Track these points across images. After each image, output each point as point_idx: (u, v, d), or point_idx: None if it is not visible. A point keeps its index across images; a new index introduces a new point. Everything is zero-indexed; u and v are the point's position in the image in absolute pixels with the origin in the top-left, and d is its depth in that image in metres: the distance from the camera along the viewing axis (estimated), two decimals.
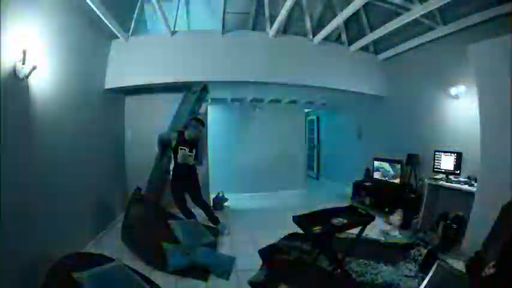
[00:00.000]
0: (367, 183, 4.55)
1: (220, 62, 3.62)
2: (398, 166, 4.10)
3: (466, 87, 3.12)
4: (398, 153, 4.13)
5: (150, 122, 4.08)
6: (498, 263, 1.42)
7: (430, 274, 1.84)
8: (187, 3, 4.07)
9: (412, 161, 3.83)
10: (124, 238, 2.88)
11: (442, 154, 3.31)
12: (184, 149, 3.10)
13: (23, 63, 1.87)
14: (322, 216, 2.32)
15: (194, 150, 3.18)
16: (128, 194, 3.99)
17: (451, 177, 3.16)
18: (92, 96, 3.19)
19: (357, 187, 4.72)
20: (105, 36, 3.38)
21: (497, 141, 2.39)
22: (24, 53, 1.87)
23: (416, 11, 2.90)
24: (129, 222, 2.86)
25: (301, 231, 2.35)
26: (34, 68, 1.94)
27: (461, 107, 3.23)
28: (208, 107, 4.36)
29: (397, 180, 4.11)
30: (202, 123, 3.27)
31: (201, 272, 2.35)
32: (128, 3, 3.64)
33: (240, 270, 2.45)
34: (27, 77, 1.93)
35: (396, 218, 3.54)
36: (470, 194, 2.70)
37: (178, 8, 3.79)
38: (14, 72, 1.84)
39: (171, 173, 3.28)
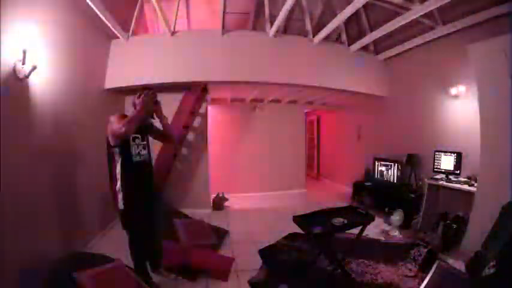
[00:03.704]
0: (367, 183, 4.55)
1: (220, 62, 3.62)
2: (398, 166, 4.10)
3: (466, 87, 3.12)
4: (398, 153, 4.13)
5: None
6: (498, 263, 1.42)
7: (430, 274, 1.84)
8: (187, 3, 4.08)
9: (412, 161, 3.83)
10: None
11: (442, 154, 3.31)
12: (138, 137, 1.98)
13: (23, 63, 1.87)
14: (322, 216, 2.32)
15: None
16: None
17: (451, 177, 3.15)
18: (92, 96, 3.19)
19: (357, 187, 4.73)
20: (105, 36, 3.38)
21: (497, 141, 2.39)
22: (24, 53, 1.87)
23: (416, 11, 2.90)
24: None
25: (301, 231, 2.35)
26: (34, 68, 1.95)
27: (461, 107, 3.23)
28: (208, 107, 4.36)
29: (396, 180, 4.10)
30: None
31: (190, 272, 2.34)
32: (128, 3, 3.64)
33: (240, 270, 2.45)
34: (27, 77, 1.94)
35: (396, 218, 3.54)
36: (470, 194, 2.70)
37: (178, 8, 3.79)
38: (14, 72, 1.84)
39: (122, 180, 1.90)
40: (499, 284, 1.40)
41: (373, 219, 2.39)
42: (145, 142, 2.05)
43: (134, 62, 3.53)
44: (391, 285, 2.15)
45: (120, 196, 1.87)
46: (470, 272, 1.84)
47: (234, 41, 3.67)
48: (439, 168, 3.31)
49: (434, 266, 1.93)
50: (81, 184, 2.81)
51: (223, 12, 3.43)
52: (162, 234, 2.38)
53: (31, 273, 1.88)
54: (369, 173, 4.74)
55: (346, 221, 2.21)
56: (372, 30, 3.79)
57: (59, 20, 2.40)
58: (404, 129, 4.21)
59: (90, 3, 2.56)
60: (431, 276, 1.81)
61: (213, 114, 5.24)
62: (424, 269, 2.31)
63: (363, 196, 4.51)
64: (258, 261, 2.58)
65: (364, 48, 4.25)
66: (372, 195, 4.36)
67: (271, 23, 3.61)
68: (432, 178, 3.29)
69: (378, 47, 4.41)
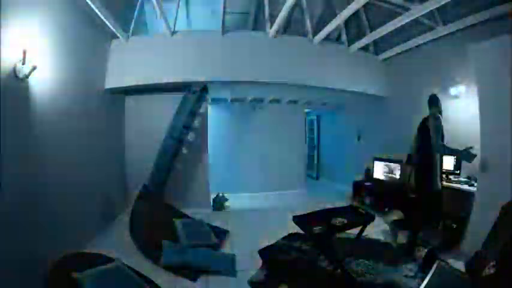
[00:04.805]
0: (367, 183, 4.55)
1: (220, 62, 3.62)
2: (398, 166, 4.10)
3: (466, 87, 3.12)
4: (398, 153, 4.13)
5: (150, 122, 4.08)
6: (498, 263, 1.42)
7: (430, 274, 1.84)
8: (187, 3, 4.08)
9: (412, 161, 3.82)
10: (130, 232, 2.92)
11: None
12: None
13: (23, 63, 1.87)
14: (322, 216, 2.32)
15: None
16: (127, 194, 4.01)
17: (451, 177, 3.15)
18: (92, 96, 3.19)
19: (357, 187, 4.72)
20: (105, 36, 3.38)
21: (497, 141, 2.39)
22: (24, 53, 1.87)
23: (416, 11, 2.90)
24: (135, 218, 2.92)
25: (301, 231, 2.34)
26: (34, 68, 1.95)
27: (461, 107, 3.23)
28: (208, 107, 4.36)
29: (397, 180, 4.10)
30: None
31: (191, 272, 2.35)
32: (128, 3, 3.65)
33: (240, 270, 2.45)
34: (27, 77, 1.94)
35: (396, 218, 3.53)
36: (470, 194, 2.70)
37: (178, 8, 3.79)
38: (14, 72, 1.84)
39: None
40: (499, 284, 1.40)
41: (373, 219, 2.39)
42: None
43: (134, 62, 3.53)
44: (391, 285, 2.15)
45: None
46: (470, 272, 1.84)
47: (234, 41, 3.67)
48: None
49: (434, 266, 1.93)
50: (81, 184, 2.81)
51: (223, 12, 3.43)
52: None
53: (31, 273, 1.88)
54: (369, 173, 4.74)
55: (346, 221, 2.21)
56: (372, 30, 3.79)
57: (59, 20, 2.40)
58: (404, 129, 4.20)
59: (90, 3, 2.56)
60: (431, 276, 1.81)
61: (213, 114, 5.24)
62: (424, 269, 2.31)
63: (363, 196, 4.51)
64: (258, 261, 2.58)
65: (364, 48, 4.25)
66: (372, 195, 4.36)
67: (271, 23, 3.62)
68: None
69: (377, 47, 4.41)
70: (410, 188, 3.50)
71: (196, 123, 4.23)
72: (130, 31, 3.60)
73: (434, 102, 2.72)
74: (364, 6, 3.38)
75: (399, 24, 3.18)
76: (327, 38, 3.87)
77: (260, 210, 4.54)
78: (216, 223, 3.52)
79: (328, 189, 6.24)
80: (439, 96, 3.52)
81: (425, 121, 2.77)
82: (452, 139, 3.32)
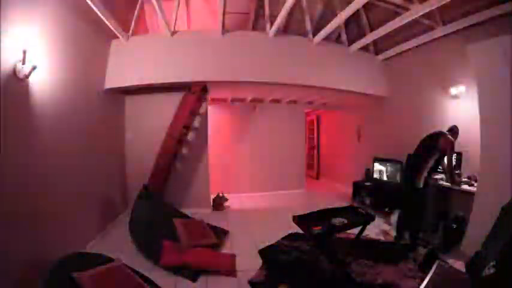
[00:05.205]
0: (367, 183, 4.55)
1: (220, 62, 3.62)
2: (398, 166, 4.10)
3: (466, 87, 3.12)
4: (398, 153, 4.14)
5: (150, 122, 4.08)
6: (498, 263, 1.42)
7: (430, 274, 1.84)
8: (187, 3, 4.08)
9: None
10: (130, 232, 2.92)
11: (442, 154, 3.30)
12: None
13: (23, 63, 1.87)
14: (322, 216, 2.33)
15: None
16: (127, 194, 4.01)
17: None
18: (92, 96, 3.19)
19: (357, 187, 4.73)
20: (105, 36, 3.38)
21: (497, 141, 2.39)
22: (24, 53, 1.87)
23: (416, 11, 2.90)
24: (135, 218, 2.93)
25: (301, 231, 2.35)
26: (34, 68, 1.95)
27: (461, 107, 3.23)
28: (208, 107, 4.36)
29: (397, 180, 4.10)
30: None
31: (191, 272, 2.35)
32: (128, 3, 3.64)
33: (240, 270, 2.45)
34: (27, 77, 1.94)
35: (396, 218, 3.53)
36: (470, 194, 2.70)
37: (178, 8, 3.79)
38: (14, 72, 1.84)
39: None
40: (499, 284, 1.40)
41: (373, 219, 2.39)
42: None
43: (134, 62, 3.53)
44: (391, 285, 2.15)
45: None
46: (470, 272, 1.84)
47: (234, 41, 3.67)
48: (439, 168, 3.30)
49: (434, 266, 1.93)
50: (81, 184, 2.81)
51: (223, 12, 3.43)
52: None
53: (31, 273, 1.88)
54: (369, 173, 4.74)
55: (346, 221, 2.22)
56: (372, 30, 3.79)
57: (59, 20, 2.40)
58: (404, 129, 4.21)
59: (90, 3, 2.56)
60: (431, 276, 1.81)
61: (213, 114, 5.23)
62: (424, 269, 2.31)
63: (363, 196, 4.51)
64: (258, 261, 2.58)
65: (364, 48, 4.25)
66: (372, 195, 4.36)
67: (271, 23, 3.61)
68: (432, 178, 3.28)
69: (377, 47, 4.41)
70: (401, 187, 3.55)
71: (196, 123, 4.24)
72: (131, 31, 3.60)
73: (456, 132, 2.85)
74: (364, 6, 3.38)
75: (399, 24, 3.18)
76: (327, 38, 3.87)
77: (260, 210, 4.54)
78: (216, 223, 3.53)
79: (328, 189, 6.25)
80: (439, 96, 3.57)
81: (437, 139, 2.80)
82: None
